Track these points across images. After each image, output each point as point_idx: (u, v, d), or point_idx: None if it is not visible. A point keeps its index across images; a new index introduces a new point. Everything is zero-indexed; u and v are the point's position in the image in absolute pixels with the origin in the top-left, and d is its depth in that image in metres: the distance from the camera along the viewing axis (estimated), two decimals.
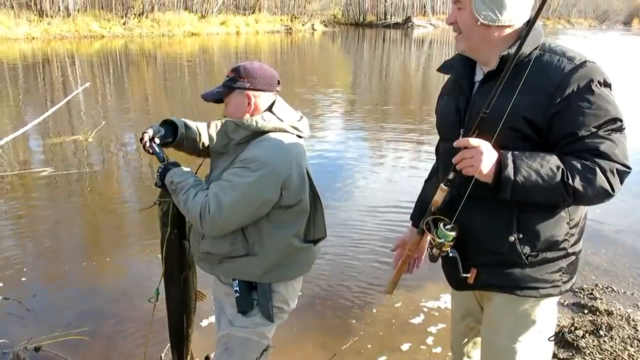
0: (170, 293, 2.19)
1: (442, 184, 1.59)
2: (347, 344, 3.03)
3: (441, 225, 1.60)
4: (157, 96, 12.57)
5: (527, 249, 1.57)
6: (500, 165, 1.45)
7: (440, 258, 1.64)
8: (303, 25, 37.00)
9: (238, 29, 31.88)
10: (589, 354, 2.94)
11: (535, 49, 1.53)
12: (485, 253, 1.62)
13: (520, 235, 1.56)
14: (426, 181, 2.03)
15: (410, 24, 43.07)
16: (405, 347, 3.14)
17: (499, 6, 1.53)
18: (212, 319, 3.26)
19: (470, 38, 1.60)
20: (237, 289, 2.01)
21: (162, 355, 2.55)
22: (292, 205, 1.93)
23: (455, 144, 1.51)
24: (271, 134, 1.93)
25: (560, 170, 1.44)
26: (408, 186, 6.24)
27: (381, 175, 6.84)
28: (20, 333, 2.67)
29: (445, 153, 1.74)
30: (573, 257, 1.65)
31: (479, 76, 1.67)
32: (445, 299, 3.64)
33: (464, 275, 1.63)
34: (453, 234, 1.58)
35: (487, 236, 1.60)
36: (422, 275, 3.82)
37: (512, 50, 1.49)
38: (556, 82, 1.46)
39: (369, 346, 3.14)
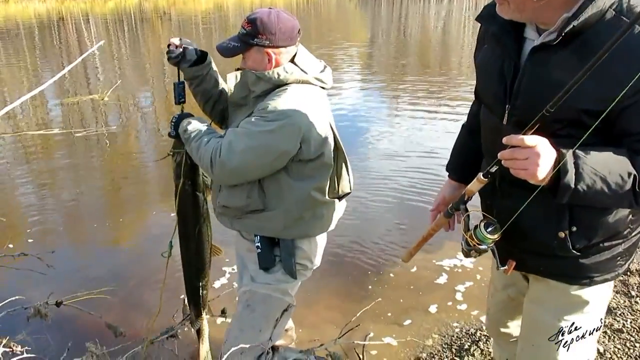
0: (184, 245, 2.13)
1: (481, 175, 1.33)
2: (369, 306, 2.96)
3: (482, 225, 1.38)
4: None
5: (580, 244, 1.37)
6: (559, 170, 1.19)
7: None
8: None
9: None
10: (620, 314, 2.85)
11: (611, 6, 1.20)
12: (531, 243, 1.44)
13: (574, 229, 1.36)
14: (464, 126, 1.82)
15: None
16: (431, 308, 3.07)
17: None
18: (224, 280, 3.29)
19: (523, 10, 1.27)
20: (259, 244, 1.97)
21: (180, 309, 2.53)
22: (312, 159, 1.84)
23: (505, 140, 1.20)
24: (293, 86, 1.82)
25: (632, 177, 1.20)
26: (429, 134, 6.30)
27: (402, 125, 6.80)
28: (40, 289, 2.67)
29: (489, 130, 1.50)
30: (634, 239, 1.44)
31: (529, 33, 1.35)
32: (462, 256, 3.55)
33: (502, 268, 1.46)
34: (495, 237, 1.37)
35: (533, 228, 1.40)
36: (438, 235, 3.74)
37: (583, 18, 1.18)
38: (635, 68, 1.12)
39: (400, 302, 3.10)
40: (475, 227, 1.40)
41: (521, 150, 1.17)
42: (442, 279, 3.35)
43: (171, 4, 23.80)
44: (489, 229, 1.38)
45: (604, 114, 1.16)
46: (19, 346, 1.59)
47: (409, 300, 3.15)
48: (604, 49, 1.07)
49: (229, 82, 1.92)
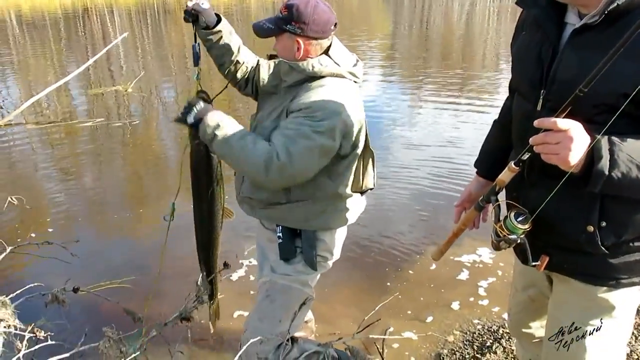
0: (197, 208, 2.09)
1: (513, 163, 1.29)
2: (387, 300, 2.92)
3: (512, 215, 1.34)
4: None
5: (609, 240, 1.31)
6: (592, 155, 1.13)
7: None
8: None
9: None
10: None
11: None
12: (558, 237, 1.38)
13: (603, 224, 1.30)
14: (495, 121, 1.77)
15: None
16: (453, 304, 3.02)
17: None
18: (241, 272, 3.30)
19: None
20: (281, 234, 1.97)
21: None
22: (347, 154, 1.84)
23: (537, 123, 1.15)
24: (328, 79, 1.80)
25: None
26: (451, 126, 6.20)
27: (423, 116, 6.74)
28: (63, 278, 2.70)
29: (521, 117, 1.43)
30: None
31: (571, 17, 1.30)
32: (481, 252, 3.51)
33: (533, 264, 1.40)
34: (525, 227, 1.33)
35: (561, 221, 1.35)
36: (442, 232, 3.71)
37: None
38: None
39: (420, 297, 3.06)
40: (505, 217, 1.36)
41: (553, 134, 1.13)
42: (463, 275, 3.30)
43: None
44: (519, 219, 1.34)
45: (631, 96, 1.10)
46: (42, 332, 1.61)
47: (429, 295, 3.11)
48: (636, 24, 1.01)
49: (262, 71, 1.91)
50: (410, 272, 3.36)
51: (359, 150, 1.89)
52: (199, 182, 2.02)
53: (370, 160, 1.99)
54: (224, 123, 1.77)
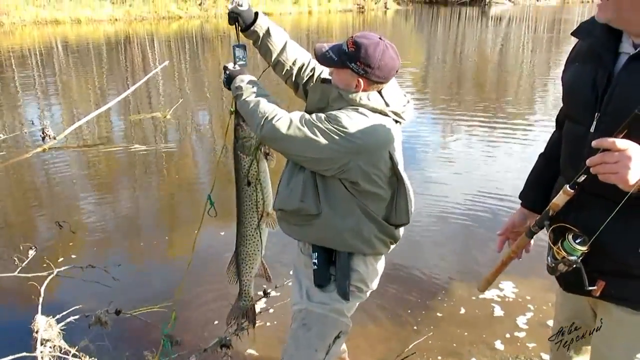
0: (241, 201, 2.11)
1: (568, 186, 1.31)
2: (421, 339, 2.89)
3: (570, 237, 1.36)
4: None
5: None
6: None
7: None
8: (376, 3, 36.40)
9: (310, 8, 31.84)
10: None
11: None
12: (606, 260, 1.38)
13: None
14: (541, 155, 1.78)
15: (487, 1, 41.30)
16: (490, 342, 2.97)
17: None
18: (262, 304, 3.26)
19: (619, 6, 1.26)
20: (316, 261, 1.98)
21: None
22: (369, 176, 1.85)
23: (595, 143, 1.18)
24: (369, 112, 1.83)
25: None
26: (482, 158, 6.10)
27: (454, 148, 6.66)
28: (100, 299, 2.77)
29: (573, 141, 1.44)
30: None
31: (625, 47, 1.34)
32: (504, 286, 3.46)
33: (590, 288, 1.39)
34: (584, 249, 1.34)
35: (611, 243, 1.35)
36: (472, 265, 3.70)
37: None
38: None
39: (452, 337, 3.01)
40: (562, 240, 1.37)
41: (612, 154, 1.16)
42: (497, 311, 3.23)
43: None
44: (578, 241, 1.35)
45: None
46: (87, 357, 1.65)
47: (461, 333, 3.05)
48: None
49: (310, 92, 1.95)
50: (439, 314, 3.26)
51: (382, 178, 1.87)
52: (245, 177, 2.06)
53: (405, 194, 1.96)
54: (247, 82, 1.89)
